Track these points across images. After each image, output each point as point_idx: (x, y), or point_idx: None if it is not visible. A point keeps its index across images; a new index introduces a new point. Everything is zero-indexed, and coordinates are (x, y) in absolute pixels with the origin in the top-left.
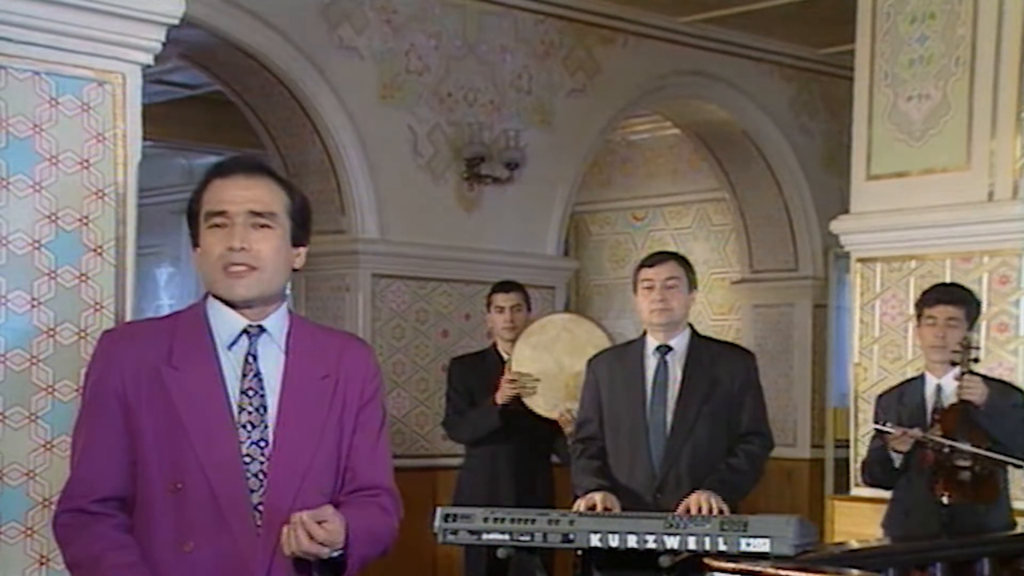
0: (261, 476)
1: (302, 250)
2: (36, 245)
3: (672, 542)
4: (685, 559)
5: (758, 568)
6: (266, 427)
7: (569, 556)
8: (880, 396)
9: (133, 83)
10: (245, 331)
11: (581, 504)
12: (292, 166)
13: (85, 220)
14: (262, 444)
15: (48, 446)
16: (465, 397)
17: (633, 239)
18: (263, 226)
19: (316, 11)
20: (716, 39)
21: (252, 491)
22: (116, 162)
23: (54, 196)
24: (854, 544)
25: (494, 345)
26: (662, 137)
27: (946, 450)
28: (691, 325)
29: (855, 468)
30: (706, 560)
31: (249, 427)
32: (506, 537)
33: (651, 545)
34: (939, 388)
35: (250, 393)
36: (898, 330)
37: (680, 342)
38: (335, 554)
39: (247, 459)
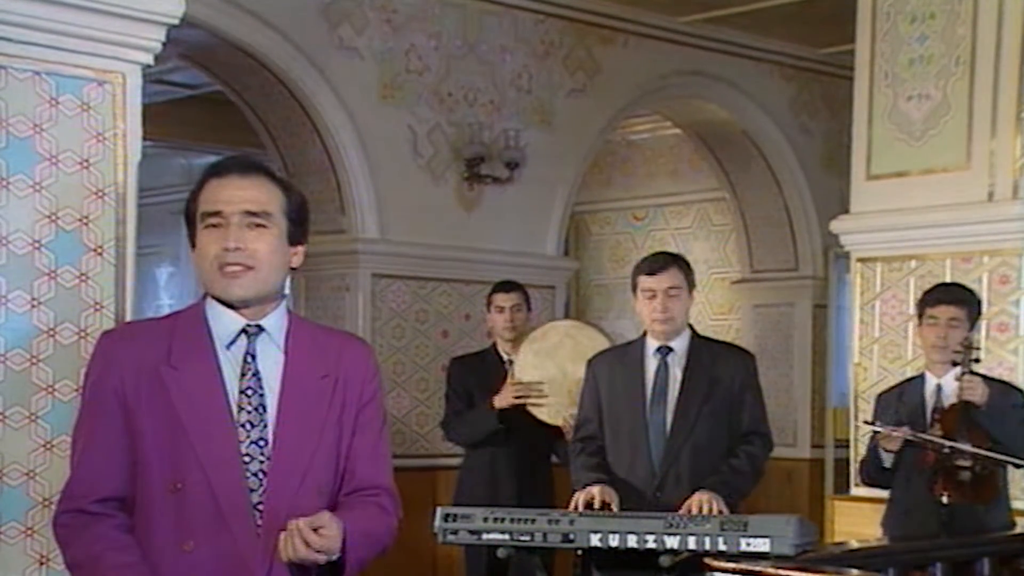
0: (261, 475)
1: (300, 249)
2: (36, 245)
3: (672, 542)
4: (685, 559)
5: (758, 568)
6: (265, 426)
7: (569, 556)
8: (880, 395)
9: (133, 83)
10: (244, 330)
11: (579, 497)
12: (292, 166)
13: (85, 220)
14: (261, 443)
15: (48, 446)
16: (464, 398)
17: (633, 239)
18: (258, 226)
19: (316, 11)
20: (716, 39)
21: (252, 491)
22: (116, 162)
23: (54, 196)
24: (854, 544)
25: (494, 345)
26: (662, 137)
27: (945, 450)
28: (691, 326)
29: (855, 468)
30: (706, 560)
31: (248, 426)
32: (506, 537)
33: (651, 545)
34: (939, 388)
35: (249, 392)
36: (898, 330)
37: (680, 343)
38: (333, 558)
39: (247, 458)
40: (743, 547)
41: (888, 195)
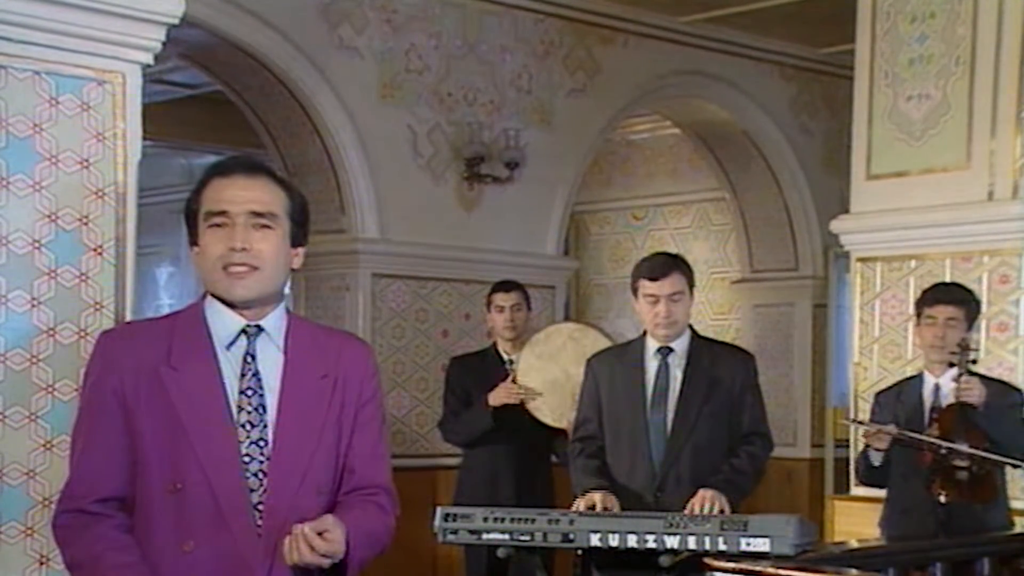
0: (260, 475)
1: (301, 250)
2: (36, 245)
3: (672, 542)
4: (685, 559)
5: (758, 568)
6: (265, 427)
7: (569, 556)
8: (878, 394)
9: (133, 83)
10: (243, 331)
11: (580, 504)
12: (292, 166)
13: (85, 220)
14: (261, 444)
15: (48, 446)
16: (462, 399)
17: (633, 239)
18: (264, 226)
19: (316, 11)
20: (716, 39)
21: (252, 490)
22: (116, 162)
23: (54, 196)
24: (854, 544)
25: (494, 345)
26: (662, 137)
27: (943, 450)
28: (691, 326)
29: (854, 468)
30: (706, 560)
31: (248, 427)
32: (506, 537)
33: (651, 545)
34: (937, 388)
35: (249, 393)
36: (898, 330)
37: (681, 343)
38: (336, 560)
39: (246, 459)
40: (743, 547)
41: (888, 195)
